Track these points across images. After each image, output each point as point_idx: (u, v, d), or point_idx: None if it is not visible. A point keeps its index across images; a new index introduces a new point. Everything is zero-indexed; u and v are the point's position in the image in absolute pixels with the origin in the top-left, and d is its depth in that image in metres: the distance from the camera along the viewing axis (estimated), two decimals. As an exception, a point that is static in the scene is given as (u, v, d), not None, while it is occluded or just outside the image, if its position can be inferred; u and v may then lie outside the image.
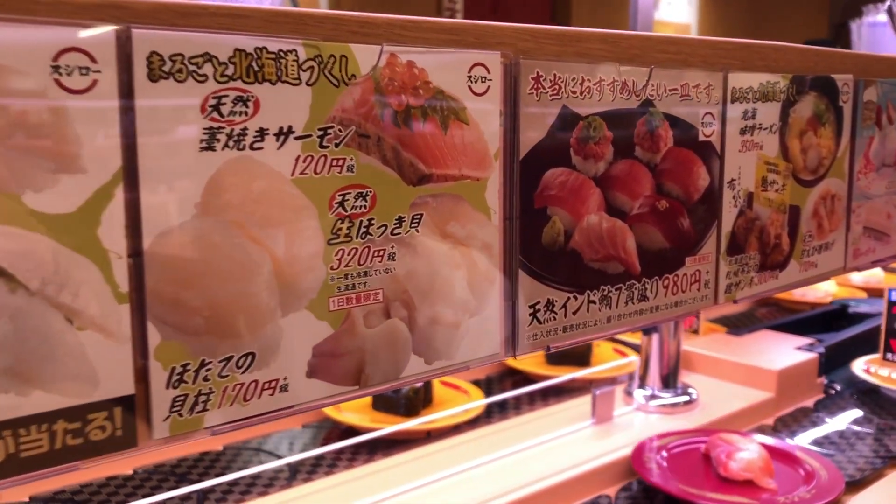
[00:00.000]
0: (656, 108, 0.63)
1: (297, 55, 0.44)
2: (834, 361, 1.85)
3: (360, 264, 0.47)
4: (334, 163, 0.46)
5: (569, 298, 0.60)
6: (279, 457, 1.15)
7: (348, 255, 0.47)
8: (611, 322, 0.63)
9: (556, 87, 0.56)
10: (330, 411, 1.26)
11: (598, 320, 0.62)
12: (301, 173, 0.44)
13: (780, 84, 0.75)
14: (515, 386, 1.52)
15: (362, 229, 0.47)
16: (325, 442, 1.22)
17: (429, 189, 0.50)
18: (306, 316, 0.45)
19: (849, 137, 0.85)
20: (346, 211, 0.46)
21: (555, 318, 0.59)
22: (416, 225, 0.50)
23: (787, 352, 1.73)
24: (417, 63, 0.49)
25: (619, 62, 0.61)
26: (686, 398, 1.51)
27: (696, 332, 1.96)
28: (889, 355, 1.61)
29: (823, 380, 1.76)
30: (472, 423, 1.32)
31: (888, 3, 1.22)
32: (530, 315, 0.57)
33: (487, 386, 1.57)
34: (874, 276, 2.42)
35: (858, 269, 0.90)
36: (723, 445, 1.10)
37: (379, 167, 0.48)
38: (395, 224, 0.49)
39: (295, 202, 0.44)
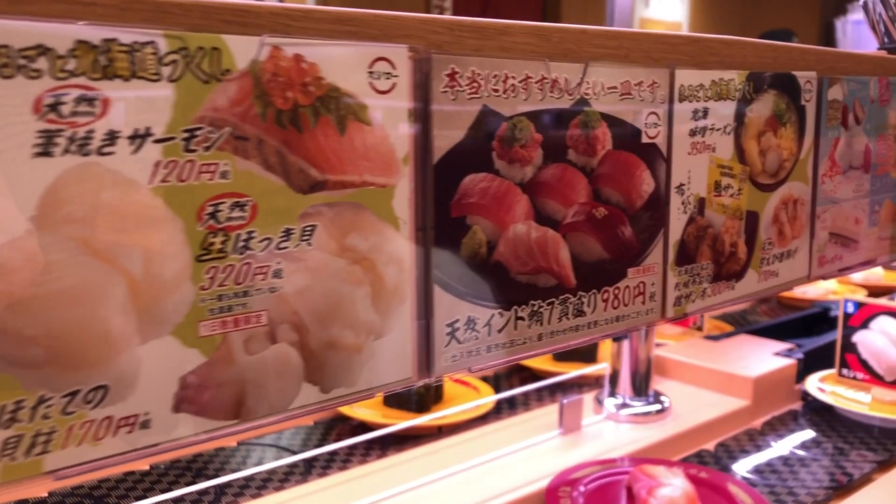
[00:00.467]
0: (592, 107, 0.58)
1: (156, 47, 0.38)
2: (814, 367, 1.81)
3: (237, 283, 0.42)
4: (204, 169, 0.40)
5: (493, 315, 0.55)
6: (294, 452, 1.17)
7: (223, 272, 0.42)
8: (542, 340, 0.58)
9: (476, 84, 0.51)
10: (342, 407, 1.28)
11: (527, 338, 0.57)
12: (162, 181, 0.39)
13: (734, 81, 0.70)
14: (523, 382, 1.54)
15: (240, 243, 0.42)
16: (338, 438, 1.24)
17: (323, 197, 0.45)
18: (171, 343, 0.40)
19: (812, 138, 0.80)
20: (219, 223, 0.41)
21: (477, 338, 0.54)
22: (307, 237, 0.45)
23: (764, 358, 1.68)
24: (306, 57, 0.43)
25: (549, 57, 0.56)
26: (658, 407, 1.46)
27: (699, 328, 1.95)
28: (845, 371, 1.52)
29: (802, 386, 1.71)
30: (483, 419, 1.37)
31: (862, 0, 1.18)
32: (448, 334, 0.52)
33: (496, 382, 1.59)
34: (874, 274, 2.37)
35: (824, 277, 0.85)
36: (644, 480, 1.00)
37: (260, 173, 0.42)
38: (281, 237, 0.43)
39: (154, 214, 0.39)
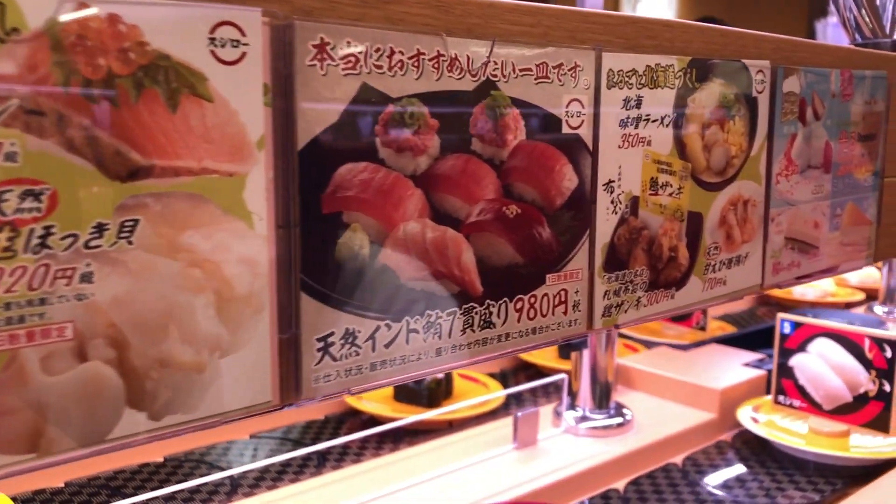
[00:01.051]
0: (501, 91, 0.51)
1: None
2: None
3: (31, 289, 0.35)
4: (-18, 149, 0.33)
5: (379, 327, 0.47)
6: (306, 445, 1.18)
7: (11, 276, 0.34)
8: (442, 355, 0.51)
9: (352, 58, 0.44)
10: (352, 401, 1.34)
11: (422, 353, 0.50)
12: (-79, 163, 0.32)
13: (673, 67, 0.63)
14: (530, 379, 1.58)
15: (35, 241, 0.35)
16: (349, 431, 1.28)
17: (148, 186, 0.37)
18: (-62, 361, 0.33)
19: (765, 134, 0.73)
20: (5, 215, 0.34)
21: (358, 353, 0.46)
22: (127, 235, 0.37)
23: (732, 368, 1.62)
24: (125, 17, 0.36)
25: (449, 32, 0.49)
26: (619, 420, 1.39)
27: (703, 328, 1.89)
28: (781, 398, 1.37)
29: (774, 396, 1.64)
30: (492, 414, 1.42)
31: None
32: (320, 350, 0.45)
33: (503, 379, 1.63)
34: (870, 276, 2.31)
35: (779, 286, 0.78)
36: None
37: (61, 156, 0.35)
38: (91, 233, 0.36)
39: None
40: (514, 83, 0.52)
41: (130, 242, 0.37)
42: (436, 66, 0.48)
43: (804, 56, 0.77)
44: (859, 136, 0.84)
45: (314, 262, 0.44)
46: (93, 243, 0.36)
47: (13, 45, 0.33)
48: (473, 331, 0.52)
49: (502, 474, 1.21)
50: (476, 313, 0.52)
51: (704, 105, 0.65)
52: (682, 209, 0.65)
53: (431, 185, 0.49)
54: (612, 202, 0.60)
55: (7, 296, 0.34)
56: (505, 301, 0.53)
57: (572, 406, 1.40)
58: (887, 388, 1.17)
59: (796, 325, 1.30)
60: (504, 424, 1.40)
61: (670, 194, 0.64)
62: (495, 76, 0.51)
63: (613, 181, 0.59)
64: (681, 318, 2.04)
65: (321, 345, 0.45)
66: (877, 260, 0.92)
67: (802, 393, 1.30)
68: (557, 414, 1.40)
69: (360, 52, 0.44)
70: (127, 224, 0.37)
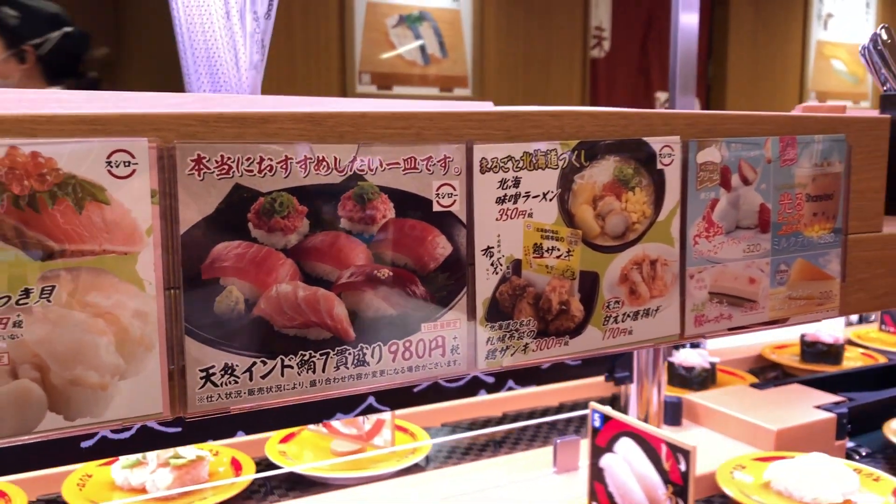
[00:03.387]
0: (368, 181, 0.66)
1: None
2: (865, 423, 1.71)
3: (-21, 331, 0.54)
4: (-56, 243, 0.53)
5: (255, 363, 0.63)
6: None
7: (-37, 322, 0.54)
8: (317, 386, 0.66)
9: (225, 166, 0.61)
10: None
11: (297, 384, 0.65)
12: None
13: (556, 151, 0.74)
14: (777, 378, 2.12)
15: (-19, 300, 0.54)
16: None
17: (61, 263, 0.56)
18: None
19: (678, 200, 0.81)
20: (-41, 285, 0.53)
21: (236, 382, 0.63)
22: (47, 295, 0.56)
23: (801, 410, 1.62)
24: (43, 153, 0.55)
25: (323, 140, 0.64)
26: (666, 454, 1.45)
27: None
28: None
29: (846, 443, 1.63)
30: None
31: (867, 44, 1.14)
32: (202, 378, 0.61)
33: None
34: None
35: (704, 336, 0.86)
36: None
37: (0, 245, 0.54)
38: (20, 295, 0.55)
39: None
40: (382, 175, 0.66)
41: (49, 301, 0.56)
42: (303, 166, 0.63)
43: (733, 127, 0.85)
44: (809, 196, 0.90)
45: (196, 314, 0.61)
46: (21, 302, 0.55)
47: (-33, 177, 0.53)
48: (347, 368, 0.67)
49: (544, 491, 1.32)
50: (349, 354, 0.67)
51: (596, 180, 0.76)
52: (572, 269, 0.76)
53: (303, 256, 0.64)
54: (491, 265, 0.72)
55: (-39, 335, 0.54)
56: (379, 345, 0.68)
57: (621, 438, 1.48)
58: (683, 510, 0.94)
59: (605, 419, 1.10)
60: (543, 453, 1.50)
61: (557, 256, 0.75)
62: (362, 170, 0.66)
63: (492, 247, 0.72)
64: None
65: (203, 374, 0.61)
66: (845, 313, 0.95)
67: (612, 502, 1.12)
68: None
69: (232, 162, 0.61)
70: (46, 289, 0.56)
